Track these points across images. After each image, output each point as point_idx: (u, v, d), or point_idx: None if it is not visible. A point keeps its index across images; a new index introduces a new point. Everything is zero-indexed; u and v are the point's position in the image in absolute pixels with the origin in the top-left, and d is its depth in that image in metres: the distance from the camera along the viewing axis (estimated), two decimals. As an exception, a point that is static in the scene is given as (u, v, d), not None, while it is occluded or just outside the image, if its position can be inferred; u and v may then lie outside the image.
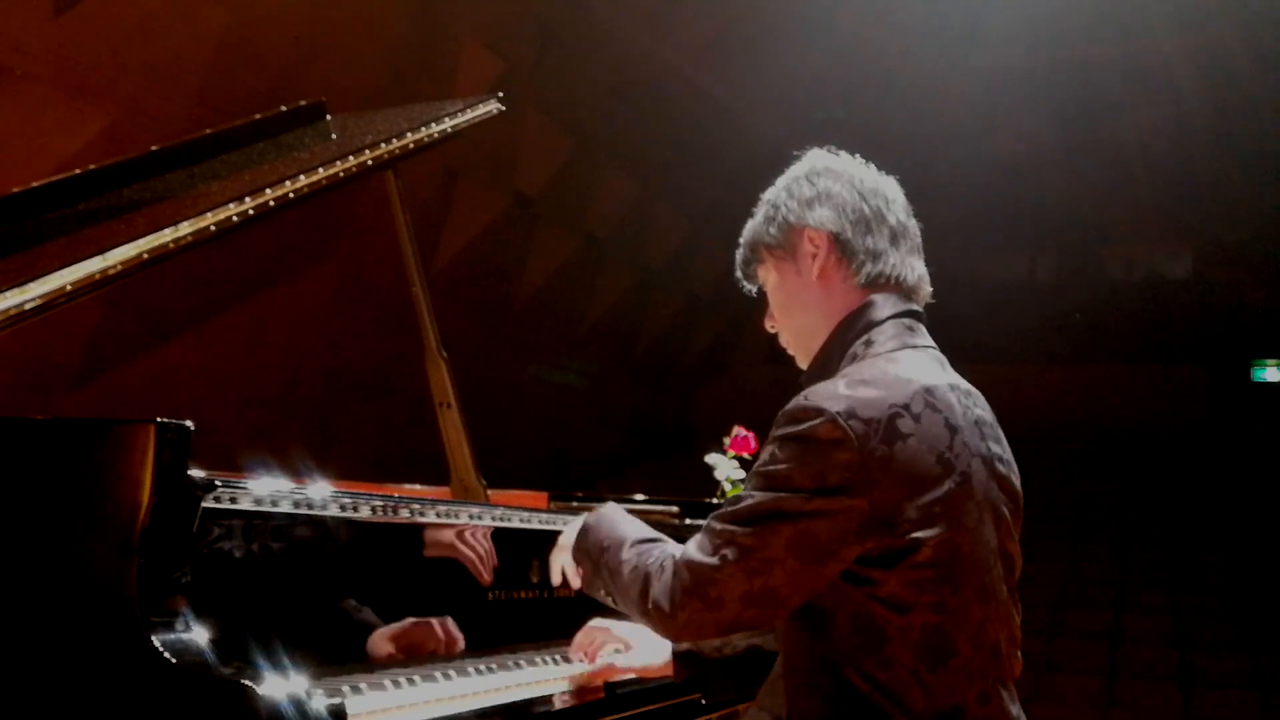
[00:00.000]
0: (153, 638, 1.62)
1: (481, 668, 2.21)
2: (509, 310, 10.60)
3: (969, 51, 11.18)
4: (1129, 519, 11.41)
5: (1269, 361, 13.57)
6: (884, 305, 1.81)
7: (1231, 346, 13.51)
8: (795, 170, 1.93)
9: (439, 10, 8.05)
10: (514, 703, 2.06)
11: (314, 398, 8.63)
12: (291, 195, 2.42)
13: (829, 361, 1.82)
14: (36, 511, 1.74)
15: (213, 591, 1.75)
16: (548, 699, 2.12)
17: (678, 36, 9.85)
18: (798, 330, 1.91)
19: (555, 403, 11.85)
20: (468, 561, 2.34)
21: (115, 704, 1.64)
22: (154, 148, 2.76)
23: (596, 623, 2.24)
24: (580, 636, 2.25)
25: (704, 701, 2.29)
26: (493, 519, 2.41)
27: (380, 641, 2.09)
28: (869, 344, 1.78)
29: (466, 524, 2.34)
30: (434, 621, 2.21)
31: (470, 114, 3.01)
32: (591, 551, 1.89)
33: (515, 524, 2.44)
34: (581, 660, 2.27)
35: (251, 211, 2.32)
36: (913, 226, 1.89)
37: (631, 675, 2.20)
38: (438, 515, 2.29)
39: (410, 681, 2.00)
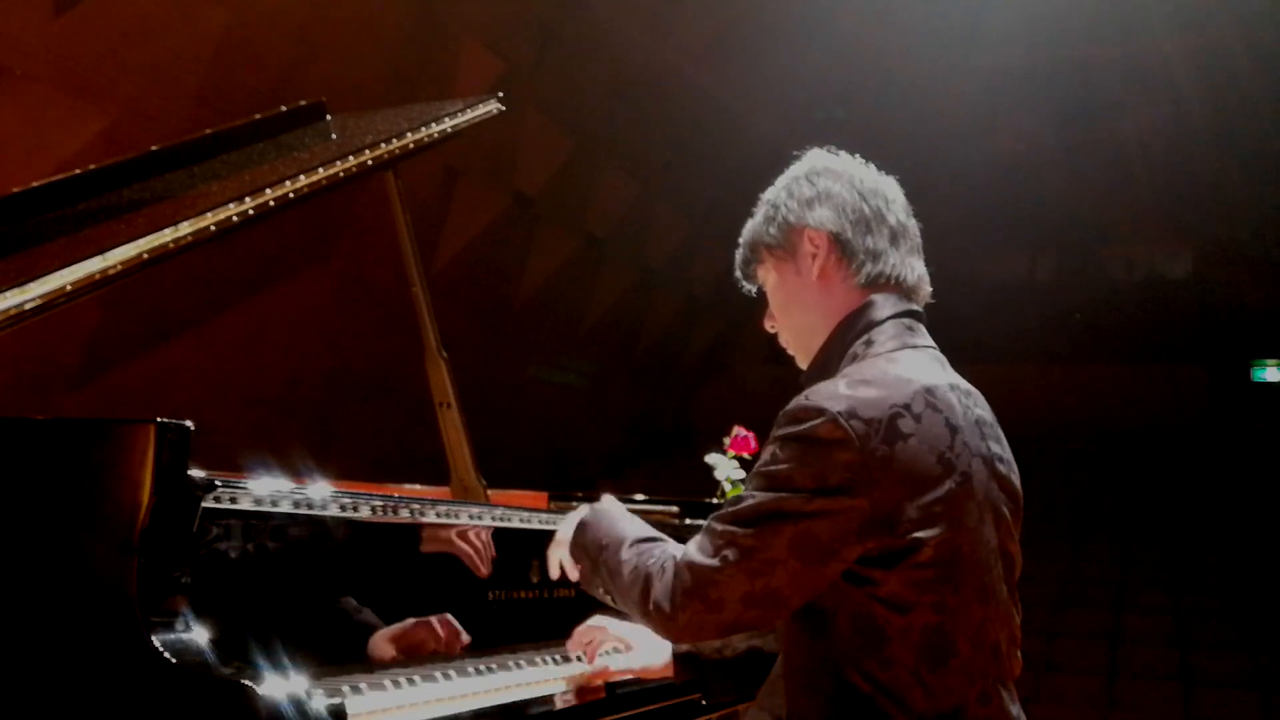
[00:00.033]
0: (153, 638, 1.62)
1: (481, 668, 2.21)
2: (509, 310, 10.59)
3: (969, 51, 11.18)
4: (1129, 519, 11.41)
5: (1269, 361, 13.57)
6: (884, 305, 1.81)
7: (1231, 346, 13.51)
8: (795, 170, 1.93)
9: (439, 10, 8.05)
10: (514, 703, 2.06)
11: (314, 398, 8.63)
12: (291, 195, 2.42)
13: (829, 361, 1.82)
14: (36, 511, 1.74)
15: (213, 591, 1.75)
16: (548, 699, 2.12)
17: (678, 36, 9.85)
18: (797, 330, 1.91)
19: (555, 403, 11.84)
20: (467, 561, 2.34)
21: (115, 704, 1.64)
22: (154, 148, 2.77)
23: (595, 621, 2.24)
24: (581, 629, 2.24)
25: (704, 702, 2.29)
26: (493, 519, 2.41)
27: (380, 641, 2.09)
28: (869, 344, 1.78)
29: (466, 524, 2.35)
30: (434, 621, 2.21)
31: (470, 114, 3.01)
32: (589, 549, 1.88)
33: (515, 524, 2.44)
34: (581, 659, 2.27)
35: (251, 211, 2.32)
36: (912, 226, 1.89)
37: (631, 676, 2.20)
38: (438, 515, 2.30)
39: (410, 681, 2.00)
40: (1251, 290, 13.21)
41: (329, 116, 3.17)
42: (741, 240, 1.97)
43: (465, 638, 2.26)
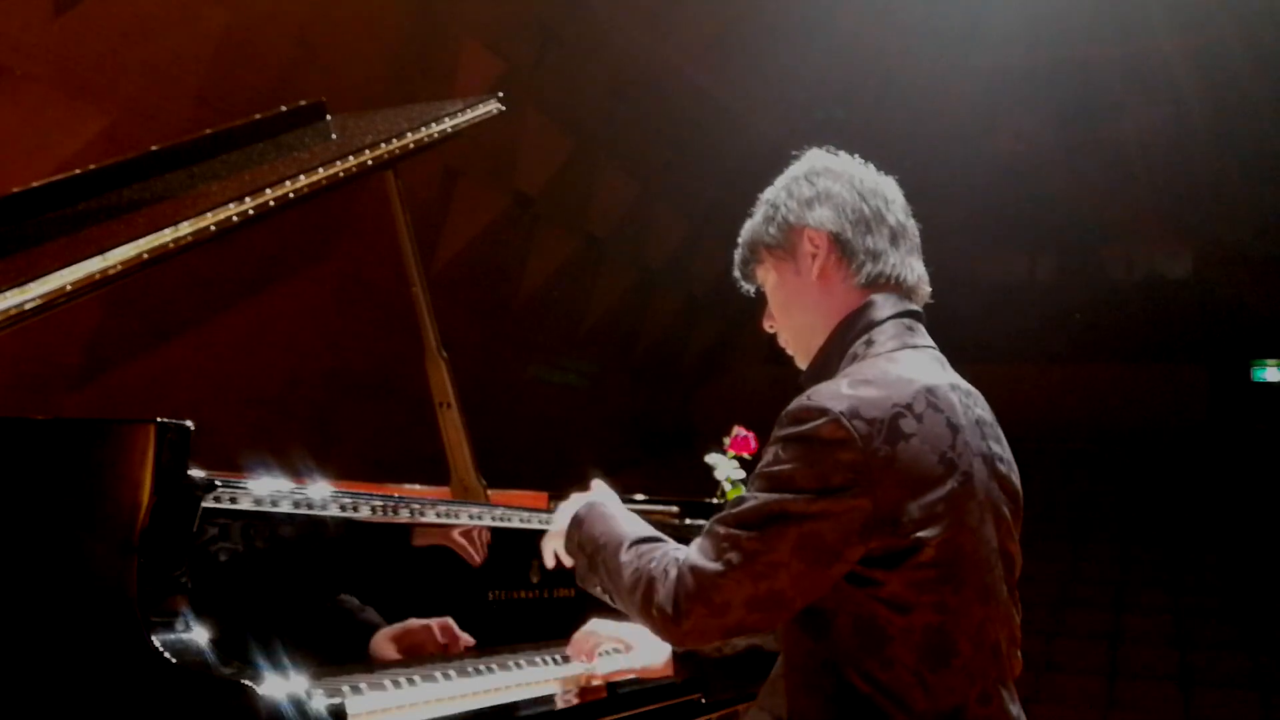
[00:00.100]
0: (153, 638, 1.62)
1: (481, 668, 2.21)
2: (509, 310, 10.59)
3: (969, 51, 11.17)
4: (1129, 519, 11.42)
5: (1269, 361, 13.57)
6: (884, 305, 1.81)
7: (1231, 346, 13.51)
8: (794, 170, 1.93)
9: (439, 10, 8.04)
10: (514, 703, 2.06)
11: (314, 398, 8.63)
12: (291, 195, 2.42)
13: (829, 361, 1.82)
14: (36, 511, 1.74)
15: (213, 591, 1.75)
16: (548, 699, 2.12)
17: (678, 36, 9.85)
18: (797, 330, 1.91)
19: (555, 403, 11.84)
20: (468, 561, 2.34)
21: (115, 704, 1.64)
22: (154, 148, 2.76)
23: (595, 622, 2.24)
24: (579, 636, 2.25)
25: (704, 701, 2.30)
26: (493, 519, 2.41)
27: (380, 641, 2.10)
28: (869, 344, 1.78)
29: (466, 524, 2.35)
30: (434, 621, 2.21)
31: (470, 114, 3.01)
32: (586, 546, 1.87)
33: (515, 524, 2.44)
34: (581, 660, 2.27)
35: (251, 211, 2.32)
36: (912, 226, 1.90)
37: (631, 675, 2.20)
38: (438, 515, 2.30)
39: (410, 681, 2.00)
40: (1251, 290, 13.21)
41: (329, 116, 3.17)
42: (741, 240, 1.96)
43: (468, 639, 2.26)
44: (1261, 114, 11.09)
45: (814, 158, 1.93)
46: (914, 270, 1.87)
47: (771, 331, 1.97)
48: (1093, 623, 9.19)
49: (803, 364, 1.90)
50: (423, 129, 2.83)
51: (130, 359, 7.19)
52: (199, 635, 1.67)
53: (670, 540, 1.80)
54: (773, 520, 1.61)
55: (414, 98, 5.50)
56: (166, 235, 2.15)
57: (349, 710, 1.68)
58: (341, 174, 2.56)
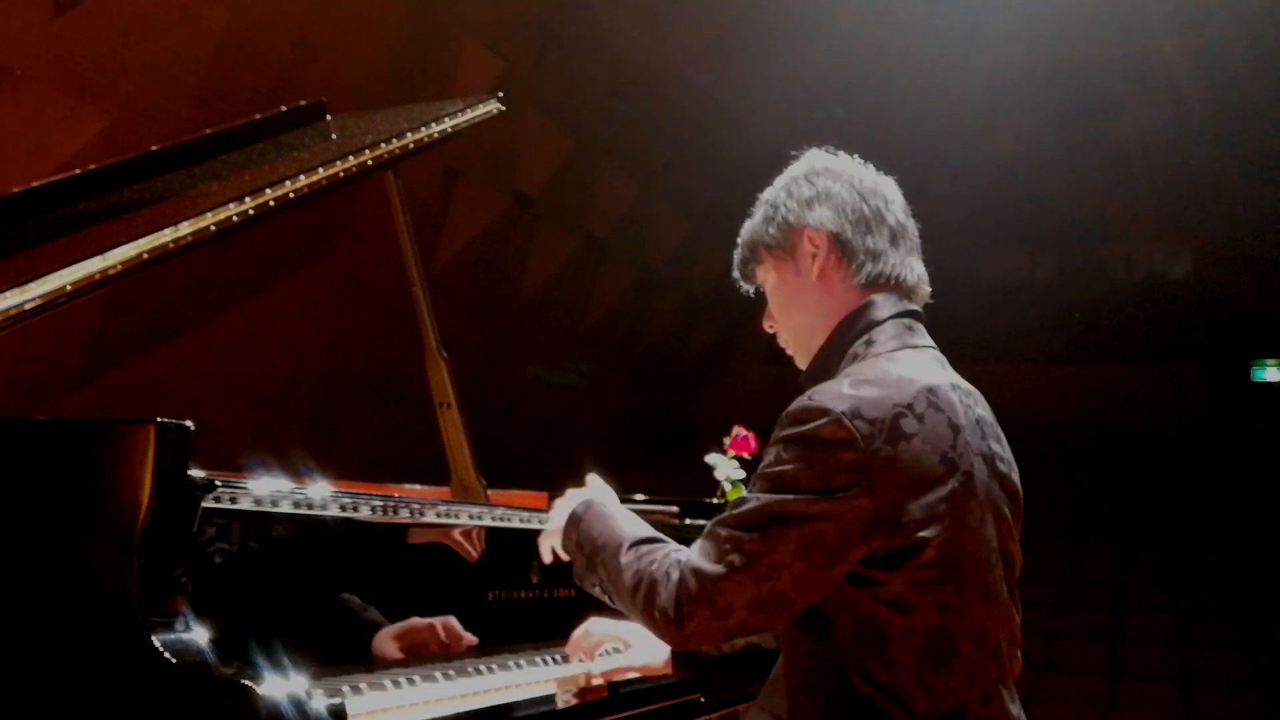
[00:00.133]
0: (153, 638, 1.62)
1: (481, 668, 2.21)
2: (509, 310, 10.59)
3: (969, 51, 11.17)
4: (1129, 519, 11.42)
5: (1269, 361, 13.56)
6: (884, 305, 1.81)
7: (1231, 346, 13.50)
8: (794, 170, 1.93)
9: (439, 10, 8.04)
10: (514, 703, 2.06)
11: (314, 398, 8.62)
12: (291, 195, 2.42)
13: (828, 361, 1.82)
14: (36, 511, 1.74)
15: (213, 591, 1.75)
16: (549, 699, 2.12)
17: (678, 36, 9.85)
18: (797, 330, 1.91)
19: (555, 403, 11.84)
20: (467, 561, 2.34)
21: (115, 704, 1.64)
22: (154, 148, 2.76)
23: (593, 621, 2.23)
24: (577, 635, 2.24)
25: (703, 700, 2.29)
26: (493, 519, 2.41)
27: (380, 642, 2.10)
28: (869, 344, 1.78)
29: (466, 524, 2.34)
30: (434, 622, 2.21)
31: (470, 114, 3.01)
32: (584, 546, 1.86)
33: (515, 524, 2.44)
34: (580, 659, 2.27)
35: (251, 211, 2.32)
36: (911, 226, 1.90)
37: (631, 674, 2.20)
38: (438, 515, 2.30)
39: (410, 681, 2.00)
40: (1251, 290, 13.20)
41: (329, 116, 3.17)
42: (740, 240, 1.97)
43: (471, 639, 2.26)
44: (1261, 114, 11.08)
45: (814, 158, 1.93)
46: (914, 270, 1.87)
47: (771, 331, 1.97)
48: (1093, 623, 9.19)
49: (802, 364, 1.90)
50: (423, 129, 2.83)
51: (130, 359, 7.18)
52: (199, 635, 1.67)
53: (671, 541, 1.80)
54: (774, 521, 1.61)
55: (414, 98, 5.50)
56: (166, 235, 2.15)
57: (349, 710, 1.68)
58: (341, 174, 2.56)
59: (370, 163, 2.65)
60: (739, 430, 3.43)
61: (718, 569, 1.63)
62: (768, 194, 1.94)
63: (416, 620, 2.17)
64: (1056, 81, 11.74)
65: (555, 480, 2.09)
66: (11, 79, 5.91)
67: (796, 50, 10.05)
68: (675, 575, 1.67)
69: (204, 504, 1.74)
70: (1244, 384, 13.55)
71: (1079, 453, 12.94)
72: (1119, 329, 13.68)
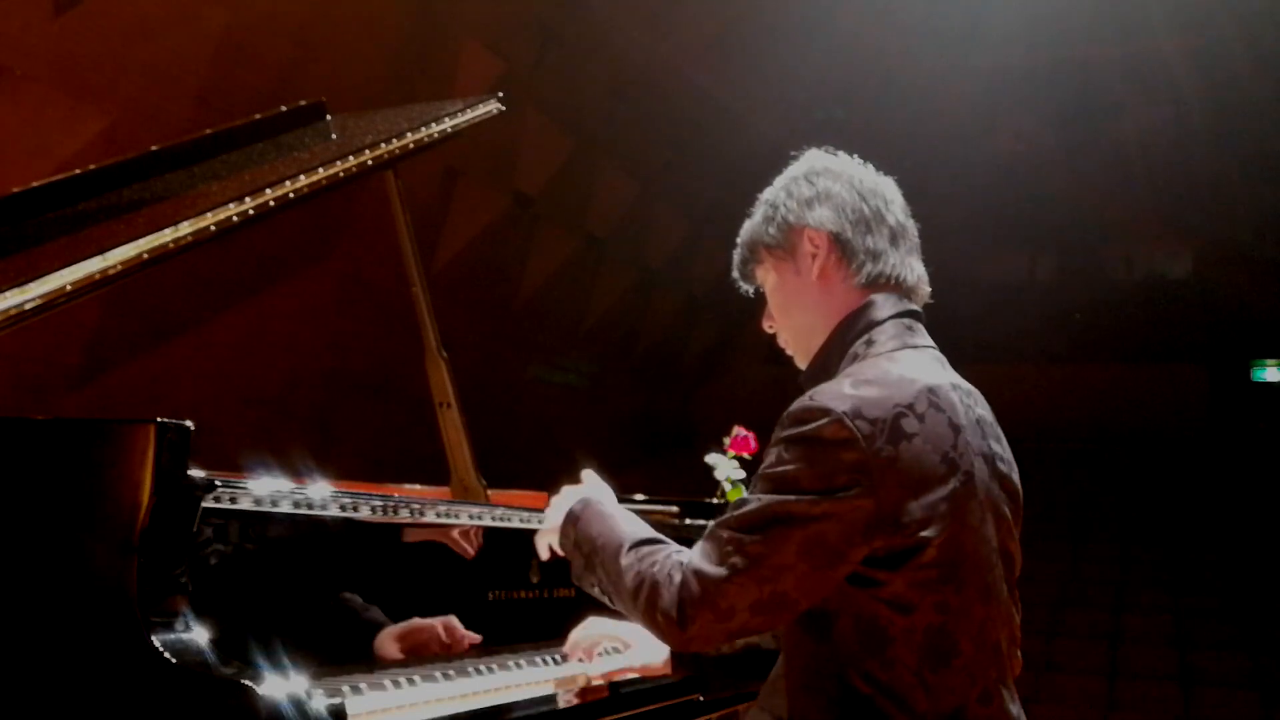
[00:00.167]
0: (153, 638, 1.62)
1: (481, 668, 2.21)
2: (509, 310, 10.59)
3: (969, 51, 11.17)
4: (1129, 519, 11.42)
5: (1269, 361, 13.57)
6: (884, 305, 1.81)
7: (1231, 346, 13.51)
8: (794, 170, 1.93)
9: (439, 10, 8.04)
10: (514, 702, 2.06)
11: (314, 398, 8.63)
12: (291, 195, 2.42)
13: (828, 361, 1.82)
14: (36, 511, 1.74)
15: (213, 591, 1.75)
16: (549, 699, 2.12)
17: (678, 36, 9.85)
18: (797, 330, 1.91)
19: (555, 403, 11.84)
20: (467, 561, 2.34)
21: (115, 704, 1.64)
22: (154, 148, 2.76)
23: (592, 621, 2.23)
24: (576, 634, 2.23)
25: (702, 699, 2.29)
26: (493, 519, 2.41)
27: (380, 642, 2.10)
28: (870, 344, 1.78)
29: (466, 524, 2.34)
30: (435, 621, 2.21)
31: (470, 114, 3.01)
32: (582, 546, 1.85)
33: (515, 524, 2.44)
34: (580, 659, 2.27)
35: (251, 211, 2.32)
36: (911, 226, 1.90)
37: (630, 674, 2.19)
38: (438, 515, 2.29)
39: (410, 681, 2.00)
40: (1251, 290, 13.20)
41: (329, 116, 3.17)
42: (740, 240, 1.96)
43: (473, 638, 2.26)
44: (1261, 114, 11.09)
45: (813, 158, 1.93)
46: (914, 270, 1.87)
47: (771, 332, 1.97)
48: (1093, 623, 9.19)
49: (802, 364, 1.90)
50: (423, 129, 2.83)
51: (130, 359, 7.19)
52: (199, 635, 1.67)
53: (670, 542, 1.79)
54: (776, 522, 1.60)
55: (414, 98, 5.51)
56: (166, 235, 2.15)
57: (349, 710, 1.68)
58: (341, 174, 2.56)
59: (370, 163, 2.65)
60: (739, 430, 3.43)
61: (720, 571, 1.63)
62: (767, 194, 1.93)
63: (418, 620, 2.17)
64: (1056, 81, 11.75)
65: (555, 480, 2.08)
66: (11, 79, 5.92)
67: (796, 50, 10.05)
68: (678, 578, 1.66)
69: (204, 504, 1.74)
70: (1244, 384, 13.55)
71: (1079, 453, 12.95)
72: (1119, 329, 13.69)
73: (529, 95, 8.99)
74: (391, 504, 2.19)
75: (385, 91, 6.99)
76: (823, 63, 10.37)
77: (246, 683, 1.60)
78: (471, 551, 2.36)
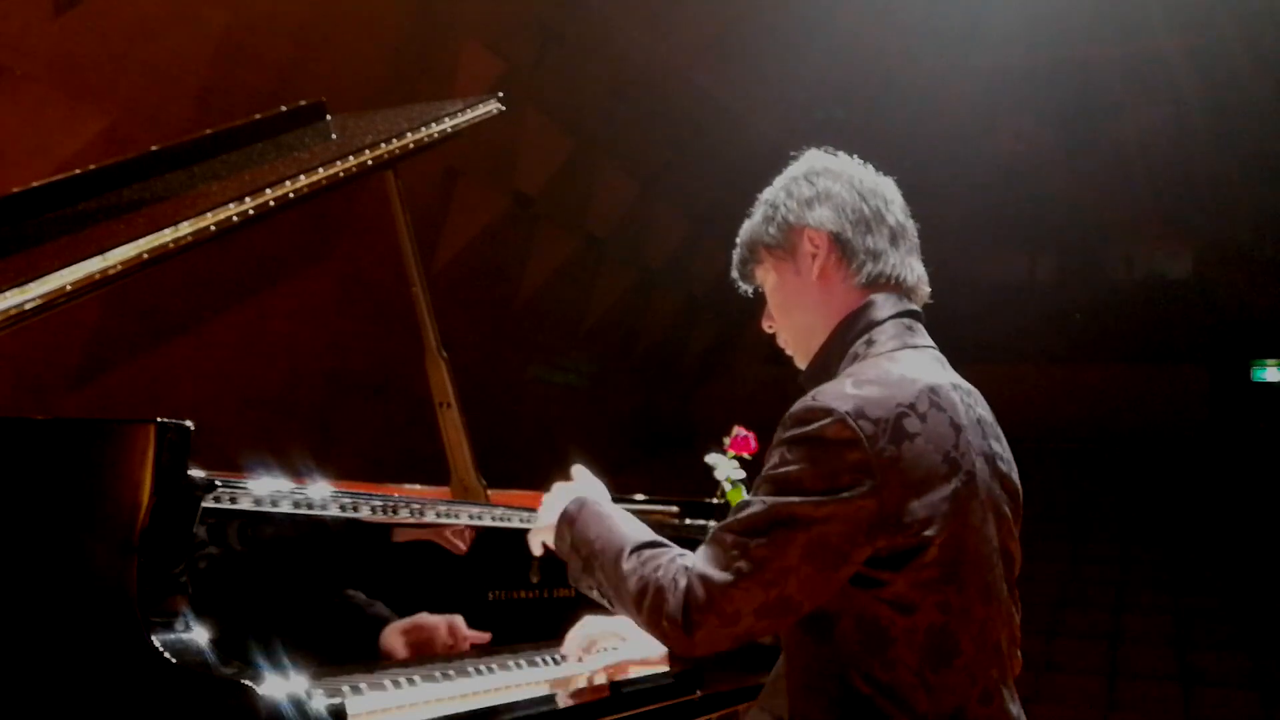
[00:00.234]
0: (153, 638, 1.62)
1: (482, 668, 2.21)
2: (509, 310, 10.60)
3: (969, 51, 11.17)
4: (1129, 519, 11.42)
5: (1269, 361, 13.57)
6: (884, 305, 1.81)
7: (1231, 346, 13.52)
8: (793, 170, 1.93)
9: (439, 10, 8.04)
10: (514, 702, 2.06)
11: (314, 398, 8.63)
12: (291, 195, 2.41)
13: (829, 361, 1.82)
14: (36, 511, 1.73)
15: (213, 591, 1.75)
16: (549, 699, 2.12)
17: (678, 36, 9.85)
18: (797, 330, 1.91)
19: (555, 403, 11.84)
20: (467, 562, 2.34)
21: (115, 704, 1.64)
22: (154, 148, 2.76)
23: (589, 619, 2.22)
24: (574, 633, 2.23)
25: (699, 694, 2.29)
26: (493, 519, 2.41)
27: (386, 636, 2.10)
28: (870, 344, 1.78)
29: (466, 524, 2.34)
30: (435, 621, 2.21)
31: (470, 114, 3.00)
32: (580, 548, 1.84)
33: (515, 524, 2.44)
34: (578, 657, 2.27)
35: (251, 211, 2.31)
36: (911, 227, 1.90)
37: (630, 668, 2.19)
38: (438, 515, 2.29)
39: (410, 681, 2.00)
40: (1251, 290, 13.21)
41: (329, 116, 3.17)
42: (740, 240, 1.96)
43: (478, 636, 2.26)
44: (1261, 114, 11.09)
45: (813, 158, 1.93)
46: (914, 270, 1.87)
47: (771, 332, 1.97)
48: (1093, 623, 9.19)
49: (802, 364, 1.90)
50: (423, 129, 2.82)
51: (130, 359, 7.19)
52: (199, 635, 1.66)
53: (671, 544, 1.79)
54: (781, 525, 1.60)
55: (414, 98, 5.50)
56: (166, 235, 2.15)
57: (349, 710, 1.68)
58: (341, 174, 2.55)
59: (370, 163, 2.65)
60: (739, 430, 3.42)
61: (725, 576, 1.62)
62: (767, 194, 1.93)
63: (423, 616, 2.17)
64: (1056, 81, 11.75)
65: (554, 480, 2.08)
66: (11, 79, 5.92)
67: (796, 50, 10.06)
68: (682, 583, 1.66)
69: (204, 504, 1.74)
70: (1244, 384, 13.56)
71: (1079, 453, 12.95)
72: (1119, 329, 13.69)
73: (529, 95, 8.99)
74: (391, 504, 2.18)
75: (385, 91, 6.99)
76: (823, 63, 10.37)
77: (246, 683, 1.60)
78: (471, 551, 2.36)
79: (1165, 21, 10.41)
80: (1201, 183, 12.55)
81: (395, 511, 2.18)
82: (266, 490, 1.89)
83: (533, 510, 2.51)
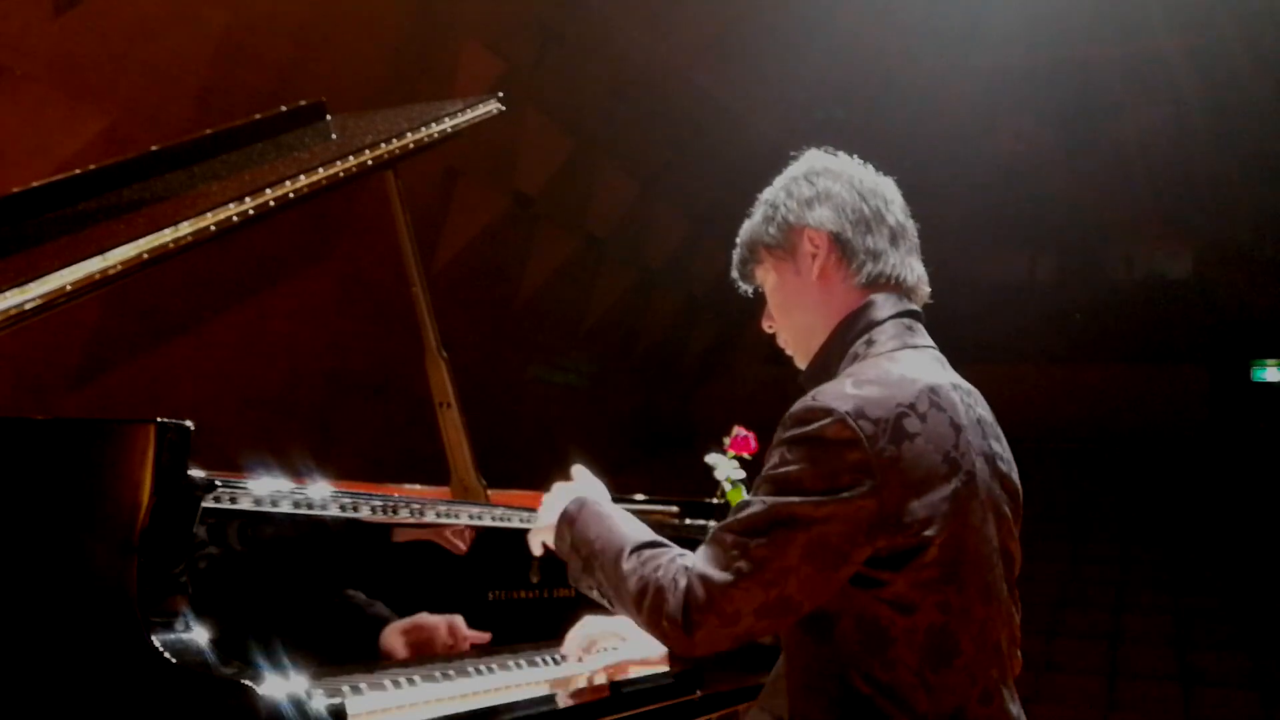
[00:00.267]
0: (153, 638, 1.62)
1: (482, 668, 2.21)
2: (509, 310, 10.60)
3: (969, 51, 11.17)
4: (1129, 519, 11.42)
5: (1269, 361, 13.57)
6: (884, 305, 1.81)
7: (1231, 346, 13.52)
8: (793, 170, 1.93)
9: (439, 10, 8.05)
10: (515, 702, 2.06)
11: (314, 398, 8.63)
12: (291, 195, 2.41)
13: (828, 361, 1.82)
14: (36, 511, 1.73)
15: (213, 591, 1.75)
16: (549, 699, 2.12)
17: (678, 36, 9.85)
18: (797, 330, 1.91)
19: (555, 403, 11.85)
20: (467, 562, 2.34)
21: (115, 704, 1.64)
22: (154, 148, 2.76)
23: (588, 619, 2.22)
24: (574, 633, 2.23)
25: (700, 695, 2.29)
26: (493, 519, 2.41)
27: (386, 636, 2.10)
28: (870, 344, 1.78)
29: (466, 524, 2.34)
30: (435, 621, 2.21)
31: (470, 114, 3.00)
32: (580, 548, 1.84)
33: (515, 524, 2.44)
34: (577, 657, 2.27)
35: (251, 211, 2.31)
36: (910, 227, 1.90)
37: (630, 668, 2.19)
38: (438, 515, 2.29)
39: (410, 681, 2.00)
40: (1252, 290, 13.21)
41: (329, 116, 3.17)
42: (739, 240, 1.96)
43: (478, 636, 2.26)
44: (1261, 114, 11.09)
45: (813, 158, 1.93)
46: (914, 270, 1.87)
47: (771, 332, 1.97)
48: (1093, 623, 9.19)
49: (802, 364, 1.90)
50: (423, 129, 2.82)
51: (130, 359, 7.19)
52: (199, 635, 1.66)
53: (672, 544, 1.79)
54: (781, 525, 1.60)
55: (414, 98, 5.50)
56: (166, 235, 2.15)
57: (349, 710, 1.68)
58: (341, 174, 2.55)
59: (370, 163, 2.65)
60: (739, 430, 3.42)
61: (726, 576, 1.62)
62: (767, 194, 1.93)
63: (424, 616, 2.17)
64: (1056, 81, 11.75)
65: (554, 480, 2.08)
66: (11, 79, 5.92)
67: (796, 50, 10.06)
68: (683, 583, 1.66)
69: (204, 504, 1.74)
70: (1244, 384, 13.56)
71: (1079, 453, 12.95)
72: (1119, 329, 13.69)
73: (529, 95, 8.99)
74: (391, 504, 2.18)
75: (385, 91, 6.99)
76: (823, 63, 10.37)
77: (246, 683, 1.60)
78: (471, 551, 2.36)
79: (1165, 21, 10.41)
80: (1201, 183, 12.56)
81: (395, 511, 2.18)
82: (266, 490, 1.89)
83: (533, 510, 2.51)
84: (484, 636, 2.28)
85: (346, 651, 2.02)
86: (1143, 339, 13.60)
